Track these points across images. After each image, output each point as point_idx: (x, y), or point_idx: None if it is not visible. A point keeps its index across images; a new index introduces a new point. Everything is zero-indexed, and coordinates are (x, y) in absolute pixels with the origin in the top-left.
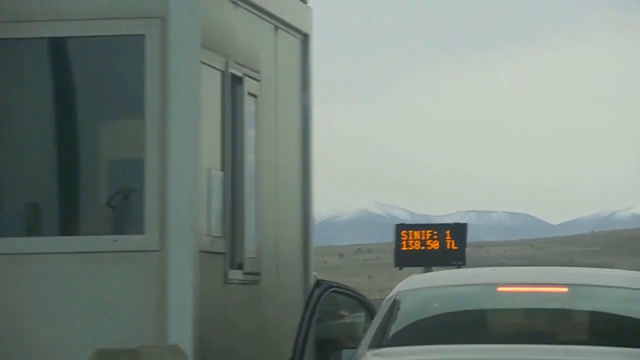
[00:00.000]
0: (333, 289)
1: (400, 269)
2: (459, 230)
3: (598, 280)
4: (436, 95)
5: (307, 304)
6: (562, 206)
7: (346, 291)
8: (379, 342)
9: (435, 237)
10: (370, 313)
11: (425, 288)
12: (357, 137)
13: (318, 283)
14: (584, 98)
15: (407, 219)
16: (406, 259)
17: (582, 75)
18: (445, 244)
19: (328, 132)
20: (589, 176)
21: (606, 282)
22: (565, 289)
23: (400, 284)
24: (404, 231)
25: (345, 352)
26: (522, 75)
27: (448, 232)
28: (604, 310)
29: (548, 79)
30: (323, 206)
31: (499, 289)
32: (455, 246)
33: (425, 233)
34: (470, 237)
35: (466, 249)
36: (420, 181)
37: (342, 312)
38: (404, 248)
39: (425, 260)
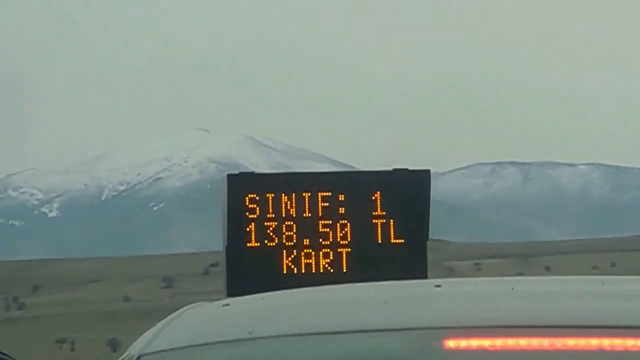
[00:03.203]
0: None
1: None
2: (408, 186)
3: None
4: None
5: None
6: None
7: None
8: None
9: (340, 209)
10: None
11: (217, 344)
12: None
13: None
14: None
15: None
16: (255, 275)
17: None
18: (372, 232)
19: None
20: None
21: None
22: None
23: (147, 333)
24: (252, 195)
25: None
26: None
27: (377, 194)
28: None
29: None
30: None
31: (447, 343)
32: (397, 237)
33: (315, 198)
34: (496, 223)
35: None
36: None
37: None
38: (252, 244)
39: (311, 277)
